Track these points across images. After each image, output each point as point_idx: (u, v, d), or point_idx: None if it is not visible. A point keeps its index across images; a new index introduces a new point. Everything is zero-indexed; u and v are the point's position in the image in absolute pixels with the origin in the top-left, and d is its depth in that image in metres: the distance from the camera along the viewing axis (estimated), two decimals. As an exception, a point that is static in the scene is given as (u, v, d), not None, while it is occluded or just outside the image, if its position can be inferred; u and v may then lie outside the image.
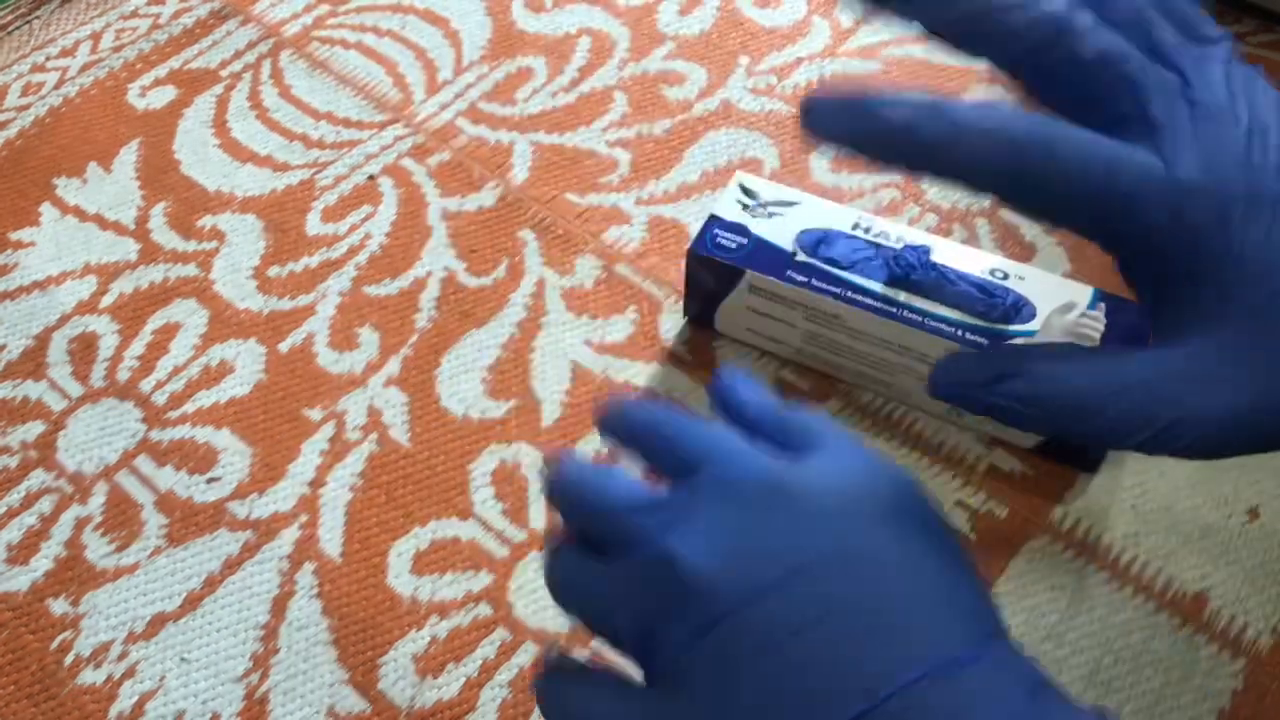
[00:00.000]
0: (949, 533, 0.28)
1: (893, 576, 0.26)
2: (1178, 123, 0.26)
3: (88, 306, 0.57)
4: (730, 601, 0.25)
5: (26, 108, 0.67)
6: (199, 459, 0.52)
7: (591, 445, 0.51)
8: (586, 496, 0.29)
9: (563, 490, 0.30)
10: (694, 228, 0.59)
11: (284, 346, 0.55)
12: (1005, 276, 0.49)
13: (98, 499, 0.51)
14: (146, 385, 0.54)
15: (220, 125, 0.65)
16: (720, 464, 0.28)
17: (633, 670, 0.28)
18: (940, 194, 0.60)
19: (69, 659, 0.46)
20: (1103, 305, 0.48)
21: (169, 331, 0.56)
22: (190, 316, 0.57)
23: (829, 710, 0.24)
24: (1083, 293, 0.49)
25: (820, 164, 0.62)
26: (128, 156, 0.64)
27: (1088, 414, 0.27)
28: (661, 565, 0.26)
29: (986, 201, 0.59)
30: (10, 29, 0.71)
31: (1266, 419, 0.26)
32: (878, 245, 0.50)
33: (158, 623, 0.47)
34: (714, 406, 0.32)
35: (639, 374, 0.54)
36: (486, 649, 0.46)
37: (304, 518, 0.50)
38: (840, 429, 0.30)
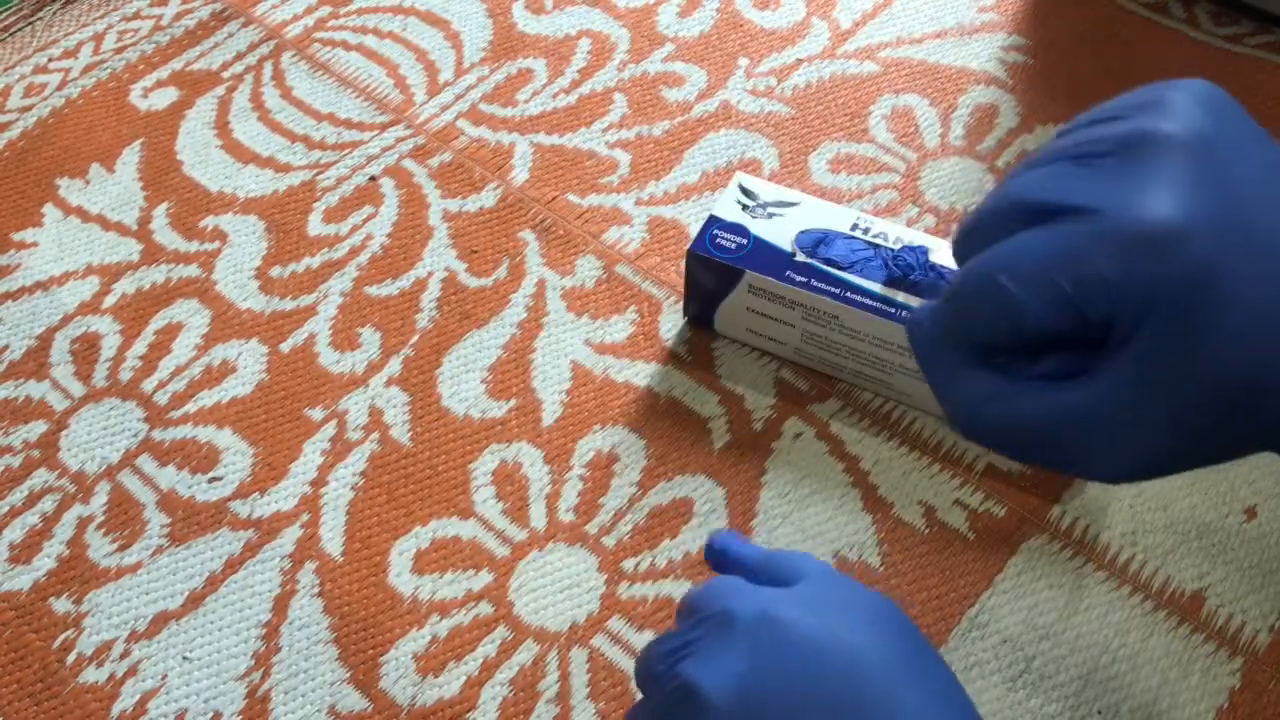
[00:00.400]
0: (921, 636, 0.31)
1: (886, 675, 0.28)
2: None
3: (90, 307, 0.58)
4: (738, 712, 0.29)
5: (29, 108, 0.67)
6: (201, 458, 0.52)
7: (591, 445, 0.51)
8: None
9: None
10: (694, 228, 0.59)
11: (285, 346, 0.56)
12: (1003, 277, 0.49)
13: (100, 498, 0.51)
14: (149, 385, 0.55)
15: (222, 126, 0.66)
16: (721, 601, 0.32)
17: None
18: (939, 195, 0.60)
19: (71, 658, 0.47)
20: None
21: (171, 331, 0.56)
22: (192, 317, 0.57)
23: None
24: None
25: (819, 165, 0.62)
26: (130, 157, 0.64)
27: (1007, 436, 0.28)
28: (681, 692, 0.30)
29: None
30: (13, 30, 0.71)
31: (1175, 462, 0.26)
32: (876, 246, 0.50)
33: (160, 621, 0.47)
34: (713, 567, 0.37)
35: (639, 374, 0.54)
36: (487, 647, 0.46)
37: (305, 517, 0.50)
38: (820, 562, 0.34)
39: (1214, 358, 0.24)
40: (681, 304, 0.56)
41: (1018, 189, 0.27)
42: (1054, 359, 0.27)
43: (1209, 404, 0.25)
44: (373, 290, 0.58)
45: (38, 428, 0.53)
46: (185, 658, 0.46)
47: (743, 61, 0.67)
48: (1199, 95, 0.27)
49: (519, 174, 0.62)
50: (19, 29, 0.71)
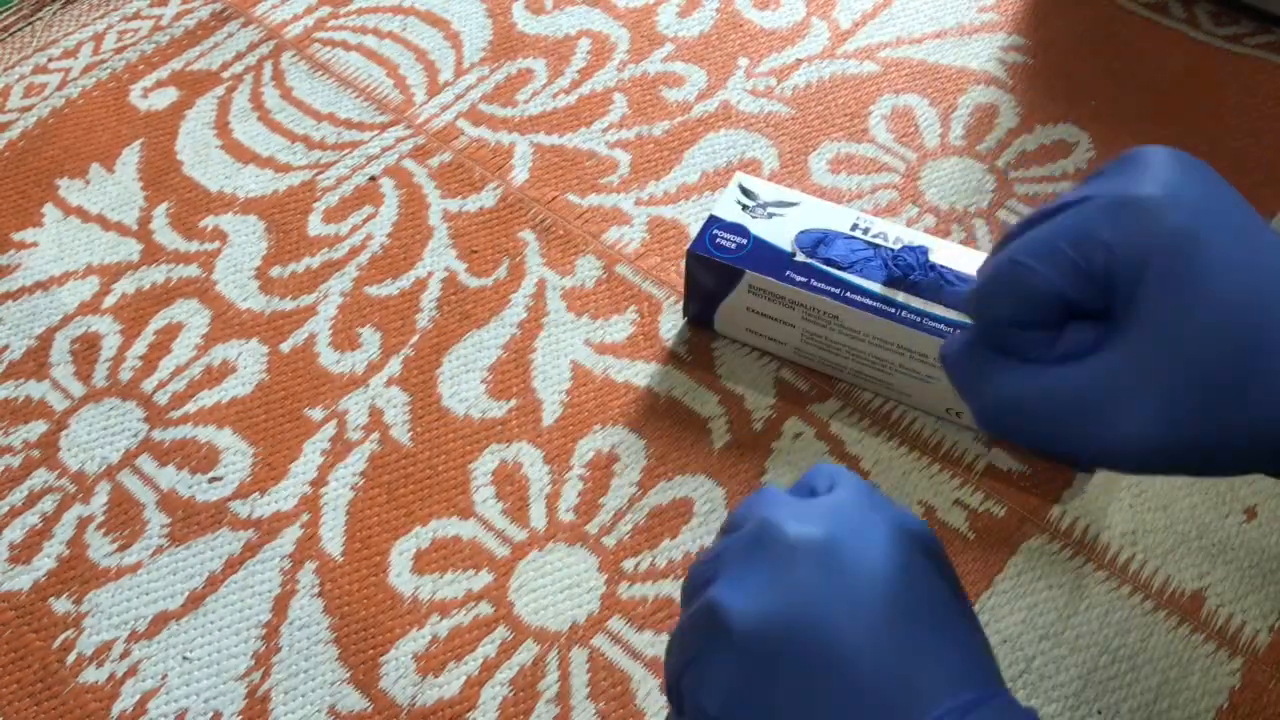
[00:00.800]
0: (951, 568, 0.30)
1: (907, 622, 0.28)
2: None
3: (90, 307, 0.58)
4: (766, 643, 0.28)
5: (29, 108, 0.67)
6: (201, 458, 0.52)
7: (591, 445, 0.51)
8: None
9: None
10: (694, 228, 0.59)
11: (286, 346, 0.56)
12: (1003, 277, 0.49)
13: (100, 498, 0.51)
14: (149, 385, 0.55)
15: (222, 126, 0.66)
16: (755, 517, 0.31)
17: None
18: (939, 195, 0.60)
19: (71, 658, 0.47)
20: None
21: (171, 331, 0.56)
22: (192, 317, 0.57)
23: None
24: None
25: (819, 165, 0.62)
26: (130, 157, 0.64)
27: (1022, 419, 0.29)
28: (703, 614, 0.29)
29: (985, 203, 0.60)
30: (12, 30, 0.71)
31: (1176, 436, 0.27)
32: (876, 246, 0.50)
33: (160, 621, 0.47)
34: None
35: (639, 374, 0.54)
36: (487, 647, 0.46)
37: (305, 517, 0.50)
38: (853, 475, 0.33)
39: (1208, 308, 0.26)
40: (681, 304, 0.56)
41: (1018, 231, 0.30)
42: (1072, 337, 0.29)
43: (1210, 360, 0.26)
44: (373, 290, 0.58)
45: (38, 428, 0.53)
46: (185, 658, 0.46)
47: (743, 61, 0.67)
48: (1169, 151, 0.31)
49: (519, 174, 0.62)
50: (19, 29, 0.71)
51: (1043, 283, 0.28)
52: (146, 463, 0.52)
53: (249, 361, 0.55)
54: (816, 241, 0.51)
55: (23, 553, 0.49)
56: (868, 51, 0.67)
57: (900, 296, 0.49)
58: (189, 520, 0.50)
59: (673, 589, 0.47)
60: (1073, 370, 0.28)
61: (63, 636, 0.47)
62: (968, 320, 0.48)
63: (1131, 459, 0.27)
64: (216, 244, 0.60)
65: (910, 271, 0.49)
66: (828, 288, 0.49)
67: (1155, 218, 0.28)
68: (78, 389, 0.55)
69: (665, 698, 0.32)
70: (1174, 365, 0.26)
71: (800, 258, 0.50)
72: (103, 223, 0.61)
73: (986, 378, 0.30)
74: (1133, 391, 0.27)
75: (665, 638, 0.46)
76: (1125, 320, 0.27)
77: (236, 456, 0.52)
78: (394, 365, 0.55)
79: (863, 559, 0.29)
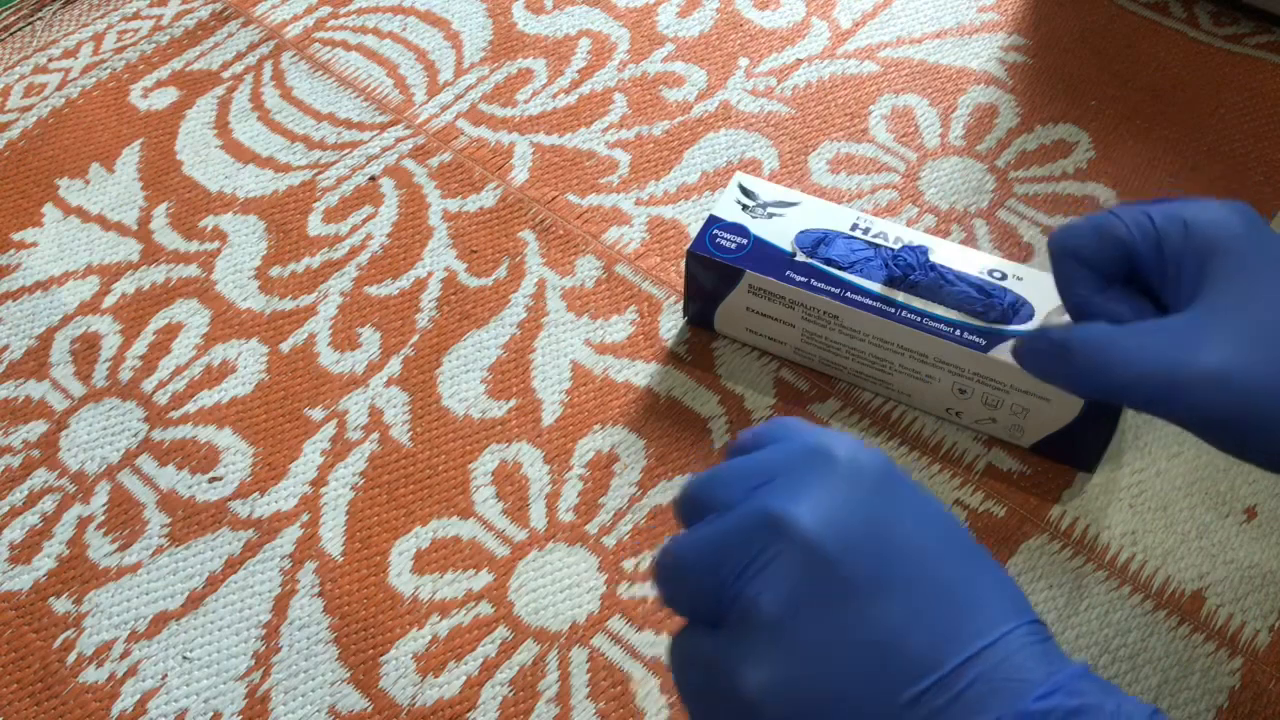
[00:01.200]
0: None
1: (966, 553, 0.28)
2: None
3: (90, 307, 0.58)
4: (834, 551, 0.27)
5: (29, 108, 0.67)
6: (201, 458, 0.52)
7: (591, 445, 0.51)
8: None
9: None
10: (694, 228, 0.59)
11: (285, 346, 0.56)
12: (1003, 277, 0.49)
13: (100, 498, 0.51)
14: (148, 385, 0.55)
15: (222, 126, 0.66)
16: (803, 434, 0.30)
17: None
18: (939, 195, 0.60)
19: (71, 658, 0.47)
20: (1100, 305, 0.48)
21: (171, 331, 0.57)
22: (192, 316, 0.57)
23: (892, 680, 0.25)
24: (1081, 293, 0.49)
25: (819, 165, 0.62)
26: (130, 157, 0.64)
27: (1108, 372, 0.33)
28: (761, 518, 0.27)
29: (985, 203, 0.60)
30: (13, 30, 0.71)
31: (1252, 375, 0.31)
32: (876, 246, 0.50)
33: (160, 621, 0.47)
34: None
35: (639, 374, 0.54)
36: (487, 647, 0.46)
37: (305, 517, 0.50)
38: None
39: (1275, 284, 0.33)
40: (681, 304, 0.56)
41: None
42: (1117, 295, 0.36)
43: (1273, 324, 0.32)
44: (373, 290, 0.58)
45: (38, 428, 0.53)
46: (185, 658, 0.46)
47: (743, 61, 0.67)
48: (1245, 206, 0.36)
49: (519, 174, 0.62)
50: (19, 29, 0.71)
51: (1123, 232, 0.35)
52: (146, 463, 0.52)
53: (249, 361, 0.55)
54: (816, 241, 0.51)
55: (23, 553, 0.49)
56: (868, 51, 0.67)
57: (900, 296, 0.49)
58: (189, 520, 0.50)
59: (673, 589, 0.47)
60: (1153, 323, 0.34)
61: (63, 636, 0.47)
62: (968, 320, 0.48)
63: (1208, 392, 0.31)
64: (216, 244, 0.60)
65: (910, 271, 0.49)
66: (828, 288, 0.49)
67: (1232, 220, 0.34)
68: (78, 389, 0.55)
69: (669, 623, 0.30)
70: (1249, 323, 0.32)
71: (800, 258, 0.50)
72: (102, 223, 0.61)
73: (1072, 332, 0.35)
74: (1215, 336, 0.32)
75: (666, 637, 0.46)
76: (1196, 291, 0.33)
77: (236, 456, 0.52)
78: (394, 365, 0.55)
79: (917, 490, 0.29)
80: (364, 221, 0.60)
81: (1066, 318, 0.48)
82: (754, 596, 0.26)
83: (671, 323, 0.56)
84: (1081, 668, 0.26)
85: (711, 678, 0.27)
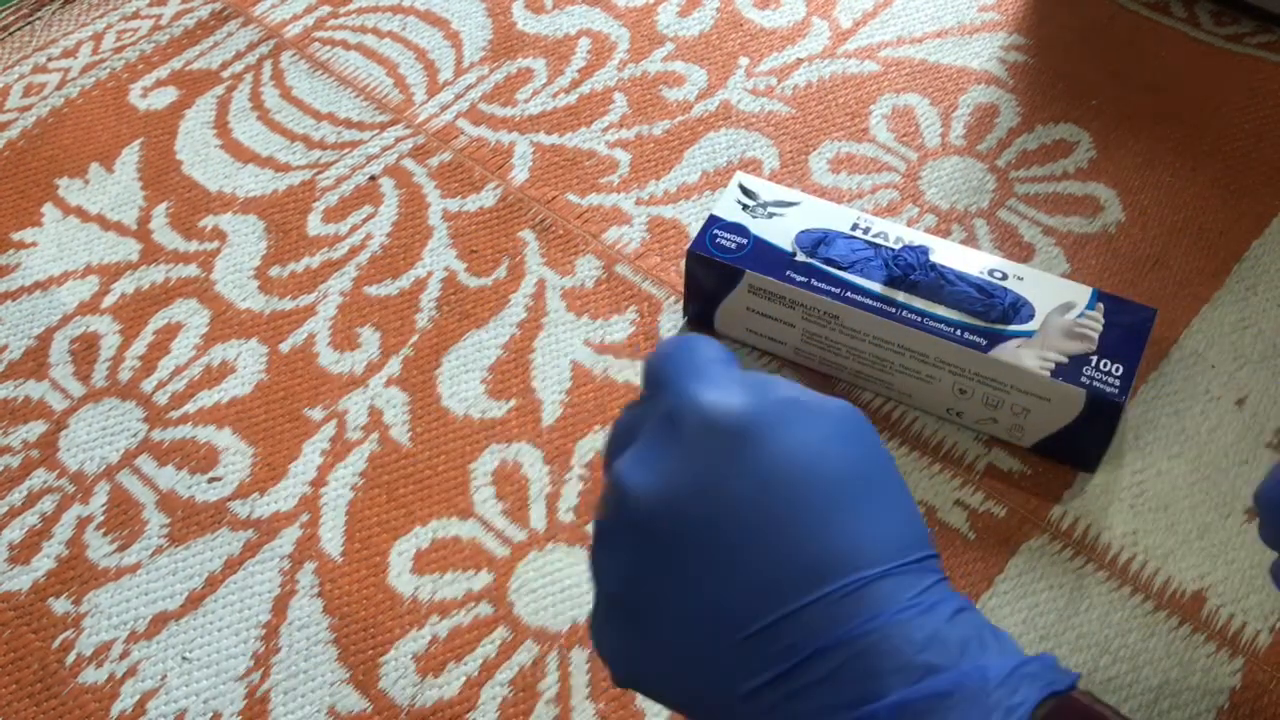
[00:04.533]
0: (889, 460, 0.28)
1: (836, 495, 0.26)
2: None
3: (89, 307, 0.58)
4: (667, 523, 0.27)
5: (29, 108, 0.67)
6: (200, 459, 0.52)
7: (591, 445, 0.51)
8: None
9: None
10: (694, 228, 0.59)
11: (285, 346, 0.56)
12: (1004, 277, 0.49)
13: (99, 498, 0.51)
14: (148, 385, 0.54)
15: (222, 126, 0.65)
16: (671, 392, 0.29)
17: None
18: (939, 195, 0.60)
19: (70, 658, 0.46)
20: (1101, 305, 0.48)
21: (170, 331, 0.56)
22: (192, 316, 0.57)
23: (717, 639, 0.25)
24: (1082, 293, 0.49)
25: (820, 165, 0.62)
26: (129, 157, 0.64)
27: None
28: (609, 489, 0.28)
29: (985, 203, 0.60)
30: (12, 29, 0.71)
31: None
32: (877, 246, 0.50)
33: (159, 622, 0.47)
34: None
35: (639, 374, 0.54)
36: (487, 648, 0.46)
37: (305, 517, 0.50)
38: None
39: None
40: (681, 304, 0.56)
41: None
42: None
43: None
44: (372, 290, 0.57)
45: (37, 428, 0.53)
46: (185, 658, 0.46)
47: (743, 61, 0.67)
48: None
49: (519, 173, 0.62)
50: (18, 28, 0.71)
51: None
52: (146, 463, 0.52)
53: (248, 361, 0.55)
54: (817, 241, 0.51)
55: (22, 553, 0.49)
56: (868, 51, 0.67)
57: (900, 296, 0.49)
58: (188, 520, 0.50)
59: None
60: None
61: (62, 637, 0.47)
62: (968, 320, 0.48)
63: None
64: (216, 244, 0.60)
65: (910, 271, 0.49)
66: (828, 288, 0.49)
67: None
68: (77, 389, 0.54)
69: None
70: None
71: (800, 258, 0.50)
72: (102, 222, 0.61)
73: None
74: None
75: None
76: None
77: (236, 456, 0.52)
78: (393, 365, 0.55)
79: (784, 433, 0.27)
80: (364, 221, 0.60)
81: (1070, 316, 0.48)
82: (600, 573, 0.28)
83: (671, 323, 0.55)
84: (947, 611, 0.25)
85: (591, 635, 0.29)
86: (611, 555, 0.28)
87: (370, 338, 0.56)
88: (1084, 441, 0.48)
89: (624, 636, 0.28)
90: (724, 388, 0.28)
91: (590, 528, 0.30)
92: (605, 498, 0.28)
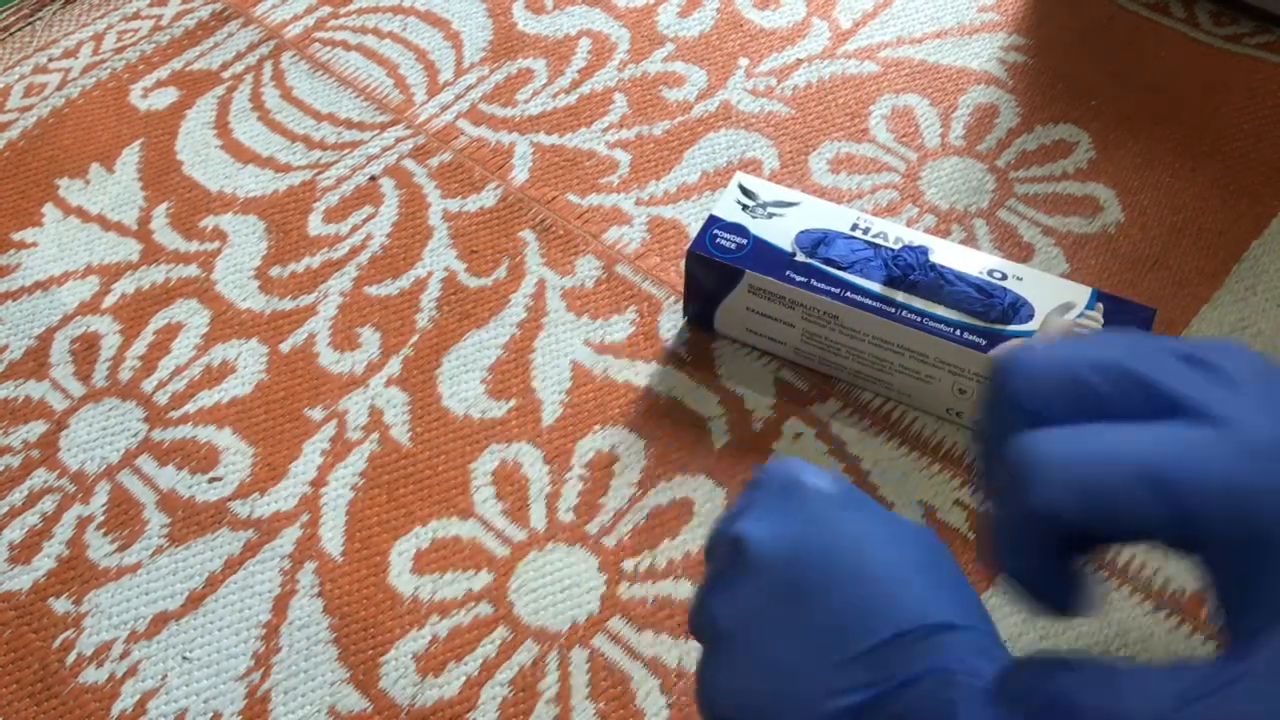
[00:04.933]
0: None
1: (915, 562, 0.29)
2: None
3: (90, 307, 0.58)
4: (780, 567, 0.30)
5: (29, 108, 0.67)
6: (201, 459, 0.52)
7: (591, 445, 0.51)
8: None
9: None
10: (694, 228, 0.59)
11: (285, 346, 0.56)
12: (1003, 277, 0.49)
13: (100, 498, 0.51)
14: (148, 385, 0.55)
15: (222, 126, 0.66)
16: (780, 472, 0.33)
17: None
18: (939, 195, 0.60)
19: (71, 658, 0.47)
20: (1101, 305, 0.48)
21: (171, 331, 0.56)
22: (192, 317, 0.57)
23: (823, 655, 0.28)
24: (1081, 293, 0.49)
25: (819, 165, 0.62)
26: (130, 157, 0.64)
27: None
28: (729, 542, 0.32)
29: (985, 203, 0.60)
30: (13, 30, 0.71)
31: None
32: (876, 246, 0.50)
33: (159, 622, 0.47)
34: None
35: (639, 374, 0.54)
36: (487, 648, 0.46)
37: (305, 517, 0.50)
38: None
39: None
40: (681, 304, 0.56)
41: (1123, 357, 0.25)
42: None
43: None
44: (372, 290, 0.58)
45: (37, 428, 0.53)
46: (185, 658, 0.46)
47: (743, 61, 0.67)
48: None
49: (519, 174, 0.62)
50: (19, 29, 0.71)
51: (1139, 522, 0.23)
52: (146, 463, 0.52)
53: (249, 361, 0.55)
54: (816, 241, 0.51)
55: (22, 553, 0.49)
56: (868, 51, 0.67)
57: (900, 296, 0.49)
58: (189, 520, 0.50)
59: (673, 589, 0.47)
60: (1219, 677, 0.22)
61: (62, 636, 0.47)
62: (968, 320, 0.48)
63: None
64: (216, 244, 0.60)
65: (910, 271, 0.49)
66: (828, 288, 0.49)
67: None
68: (77, 389, 0.55)
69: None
70: None
71: (800, 258, 0.50)
72: (102, 223, 0.61)
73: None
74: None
75: (665, 638, 0.46)
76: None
77: (236, 456, 0.52)
78: (394, 365, 0.55)
79: (881, 511, 0.31)
80: (364, 221, 0.60)
81: (1069, 316, 0.48)
82: (713, 614, 0.31)
83: (671, 323, 0.55)
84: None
85: (697, 687, 0.32)
86: (729, 596, 0.30)
87: (370, 338, 0.56)
88: None
89: (735, 670, 0.30)
90: (826, 473, 0.33)
91: (694, 586, 0.32)
92: (717, 551, 0.32)
